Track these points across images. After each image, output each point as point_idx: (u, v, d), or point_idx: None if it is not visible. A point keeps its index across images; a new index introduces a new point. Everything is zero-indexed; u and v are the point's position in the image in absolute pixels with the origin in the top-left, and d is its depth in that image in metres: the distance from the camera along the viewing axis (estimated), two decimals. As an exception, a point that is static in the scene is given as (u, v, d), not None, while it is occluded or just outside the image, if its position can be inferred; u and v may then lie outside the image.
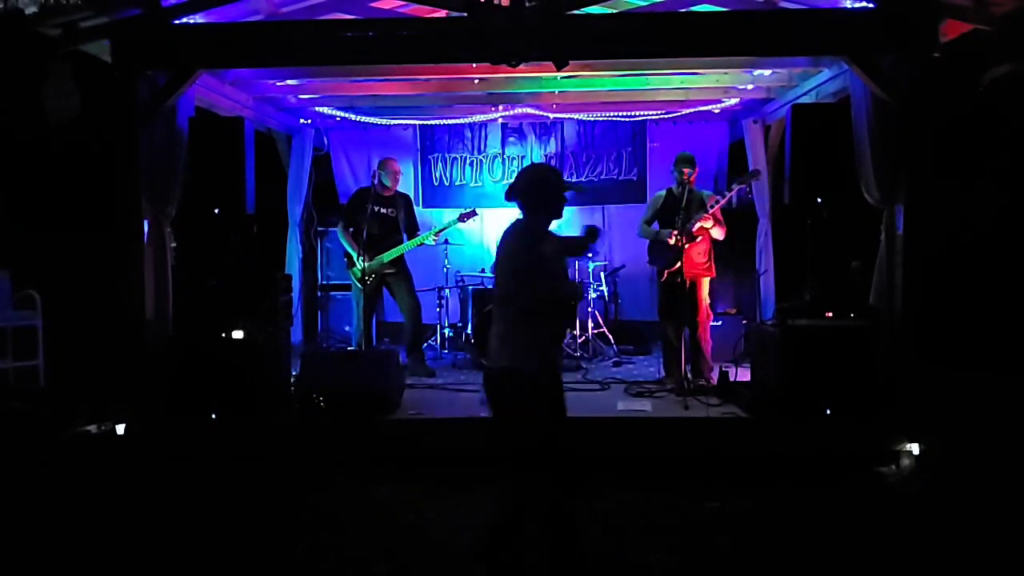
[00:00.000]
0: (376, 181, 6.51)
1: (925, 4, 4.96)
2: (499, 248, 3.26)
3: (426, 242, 6.70)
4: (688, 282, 5.85)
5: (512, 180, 3.31)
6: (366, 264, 6.43)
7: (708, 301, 6.05)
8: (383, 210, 6.57)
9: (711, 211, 5.77)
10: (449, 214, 7.43)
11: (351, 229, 6.57)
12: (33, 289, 6.40)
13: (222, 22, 5.44)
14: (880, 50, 5.11)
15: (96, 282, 6.16)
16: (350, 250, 6.56)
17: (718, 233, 5.92)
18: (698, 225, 5.77)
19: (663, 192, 6.25)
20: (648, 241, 6.19)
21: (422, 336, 6.92)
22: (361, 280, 6.50)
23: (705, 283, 5.98)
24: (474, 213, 6.88)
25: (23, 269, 6.48)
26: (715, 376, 5.89)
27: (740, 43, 5.30)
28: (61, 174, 6.88)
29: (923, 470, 4.63)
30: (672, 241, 5.83)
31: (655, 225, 6.13)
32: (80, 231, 6.67)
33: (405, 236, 6.69)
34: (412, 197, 8.37)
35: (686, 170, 5.93)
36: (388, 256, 6.55)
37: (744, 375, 5.79)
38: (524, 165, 8.47)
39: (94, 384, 5.49)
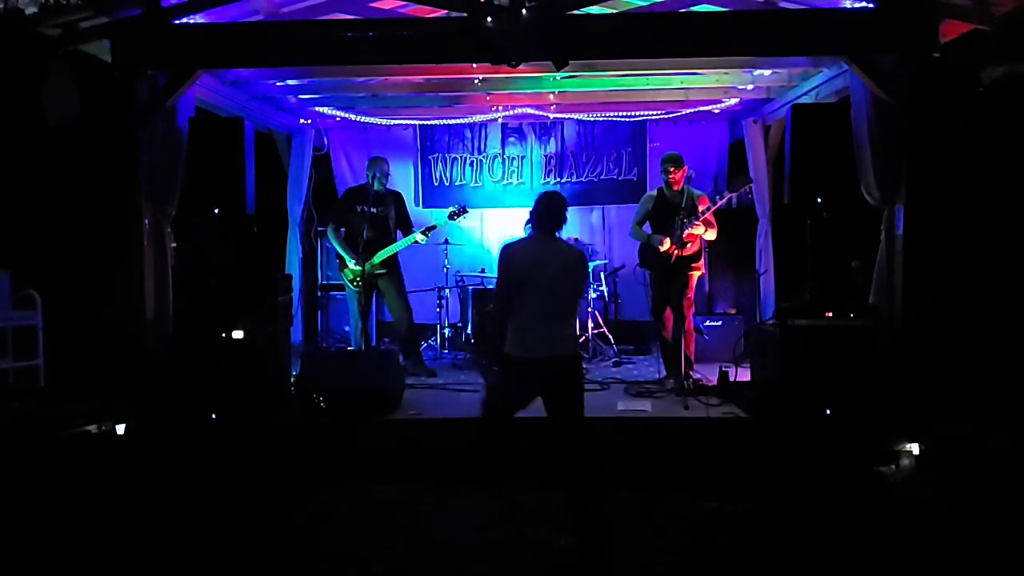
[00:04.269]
0: (369, 180, 6.43)
1: (925, 4, 4.97)
2: (554, 260, 3.57)
3: (419, 242, 6.47)
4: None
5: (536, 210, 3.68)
6: (359, 266, 6.33)
7: (693, 295, 6.03)
8: (374, 210, 6.43)
9: (702, 218, 5.76)
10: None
11: (342, 230, 6.52)
12: (33, 289, 6.38)
13: (222, 22, 5.44)
14: (880, 50, 5.11)
15: (96, 282, 6.16)
16: (342, 252, 6.45)
17: (711, 235, 5.92)
18: (688, 231, 5.77)
19: (653, 193, 6.22)
20: (639, 243, 6.19)
21: (416, 339, 6.84)
22: (354, 282, 6.42)
23: (694, 277, 5.96)
24: (464, 210, 6.77)
25: (23, 269, 6.46)
26: (700, 376, 5.91)
27: (740, 43, 5.31)
28: (61, 174, 6.87)
29: (923, 470, 4.63)
30: (664, 248, 5.84)
31: (646, 227, 6.13)
32: (80, 231, 6.66)
33: (399, 234, 6.56)
34: (412, 197, 8.42)
35: (671, 168, 5.92)
36: (379, 257, 6.41)
37: (744, 375, 5.80)
38: (524, 169, 8.50)
39: (94, 384, 5.48)
